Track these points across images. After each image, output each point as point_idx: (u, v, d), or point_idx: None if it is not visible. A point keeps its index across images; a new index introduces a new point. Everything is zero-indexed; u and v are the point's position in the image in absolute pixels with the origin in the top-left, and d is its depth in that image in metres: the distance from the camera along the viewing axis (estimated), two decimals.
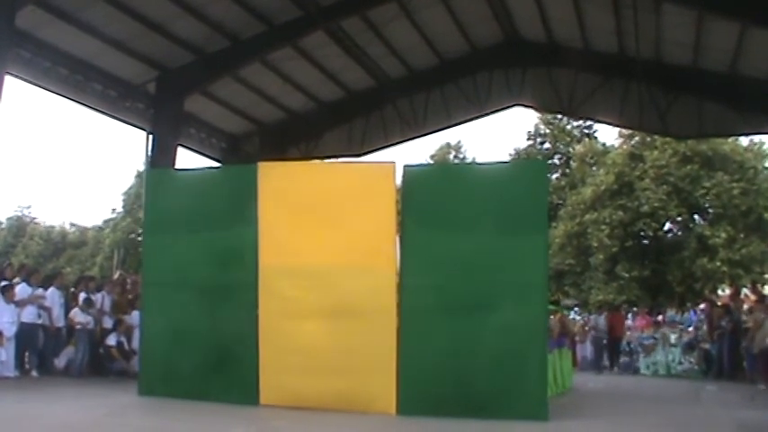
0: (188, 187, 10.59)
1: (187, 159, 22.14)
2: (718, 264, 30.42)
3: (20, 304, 12.69)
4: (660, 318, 20.60)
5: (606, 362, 19.54)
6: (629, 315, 22.11)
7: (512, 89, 21.30)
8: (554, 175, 39.49)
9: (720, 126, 19.86)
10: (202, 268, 9.87)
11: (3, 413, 8.53)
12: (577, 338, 20.10)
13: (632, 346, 19.21)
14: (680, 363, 17.73)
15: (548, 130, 41.31)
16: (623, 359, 19.11)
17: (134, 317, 13.85)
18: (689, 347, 17.66)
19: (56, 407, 9.24)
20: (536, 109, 26.54)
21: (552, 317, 12.81)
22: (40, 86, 16.57)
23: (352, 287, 9.10)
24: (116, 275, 20.75)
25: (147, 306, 10.52)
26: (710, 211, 32.75)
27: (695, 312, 20.30)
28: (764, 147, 33.80)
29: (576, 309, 22.55)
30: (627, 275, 32.56)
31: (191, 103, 19.14)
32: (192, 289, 9.85)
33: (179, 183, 11.05)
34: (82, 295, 13.78)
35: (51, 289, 13.54)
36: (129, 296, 14.95)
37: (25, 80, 16.01)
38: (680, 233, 33.92)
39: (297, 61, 19.10)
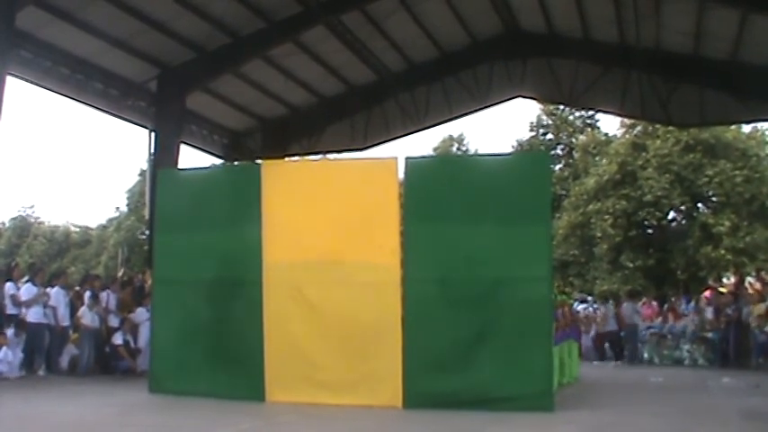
0: (196, 186, 10.72)
1: (190, 156, 22.18)
2: (723, 252, 30.33)
3: (26, 304, 12.74)
4: (666, 307, 20.47)
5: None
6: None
7: (513, 81, 21.25)
8: (557, 166, 39.45)
9: (722, 114, 19.81)
10: (210, 266, 9.98)
11: (13, 413, 8.59)
12: (582, 329, 20.00)
13: (641, 334, 19.09)
14: (687, 352, 17.65)
15: (550, 121, 41.24)
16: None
17: (138, 314, 13.91)
18: (694, 337, 17.59)
19: (65, 406, 9.28)
20: (537, 100, 26.48)
21: (560, 309, 12.70)
22: (41, 86, 16.58)
23: (357, 282, 9.14)
24: (120, 273, 20.84)
25: (157, 303, 10.63)
26: (714, 199, 32.65)
27: (687, 300, 20.05)
28: (767, 134, 33.74)
29: (588, 300, 22.25)
30: (631, 265, 32.50)
31: (192, 101, 19.13)
32: (201, 286, 9.97)
33: (188, 182, 11.19)
34: (87, 293, 13.80)
35: (56, 288, 13.59)
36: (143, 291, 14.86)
37: (26, 80, 16.04)
38: (683, 222, 33.83)
39: (298, 57, 19.08)
